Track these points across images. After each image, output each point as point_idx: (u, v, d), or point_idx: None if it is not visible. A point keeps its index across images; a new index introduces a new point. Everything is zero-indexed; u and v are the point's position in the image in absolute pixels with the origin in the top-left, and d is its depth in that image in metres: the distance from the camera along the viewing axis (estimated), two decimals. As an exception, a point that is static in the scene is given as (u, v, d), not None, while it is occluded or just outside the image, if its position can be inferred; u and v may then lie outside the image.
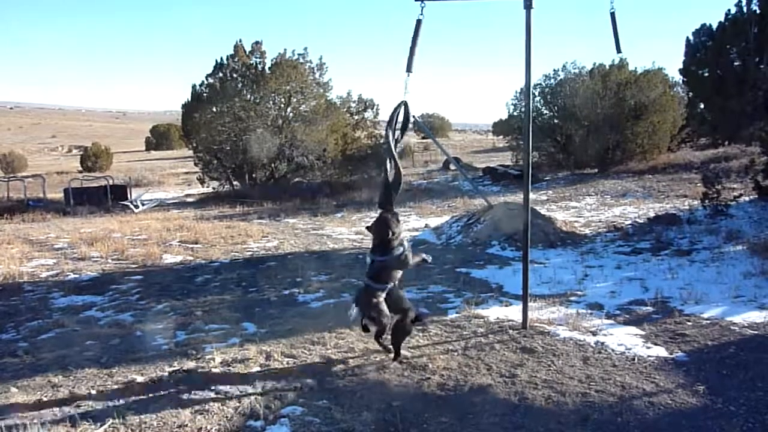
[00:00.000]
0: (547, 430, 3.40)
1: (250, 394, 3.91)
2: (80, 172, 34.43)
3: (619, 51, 5.02)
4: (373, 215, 13.82)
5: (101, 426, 3.56)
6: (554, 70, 22.27)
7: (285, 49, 19.95)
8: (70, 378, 4.36)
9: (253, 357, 4.61)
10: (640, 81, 19.98)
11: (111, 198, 18.18)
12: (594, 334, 4.96)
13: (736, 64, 16.71)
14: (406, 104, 4.58)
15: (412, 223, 12.36)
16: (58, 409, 3.83)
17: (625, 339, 4.81)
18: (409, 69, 4.64)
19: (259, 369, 4.37)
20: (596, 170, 20.11)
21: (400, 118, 4.60)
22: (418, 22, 4.65)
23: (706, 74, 19.21)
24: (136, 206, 17.29)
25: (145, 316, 5.98)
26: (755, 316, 5.19)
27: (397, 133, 4.58)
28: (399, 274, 4.46)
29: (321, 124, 19.85)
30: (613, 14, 4.85)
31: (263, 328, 5.41)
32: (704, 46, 19.92)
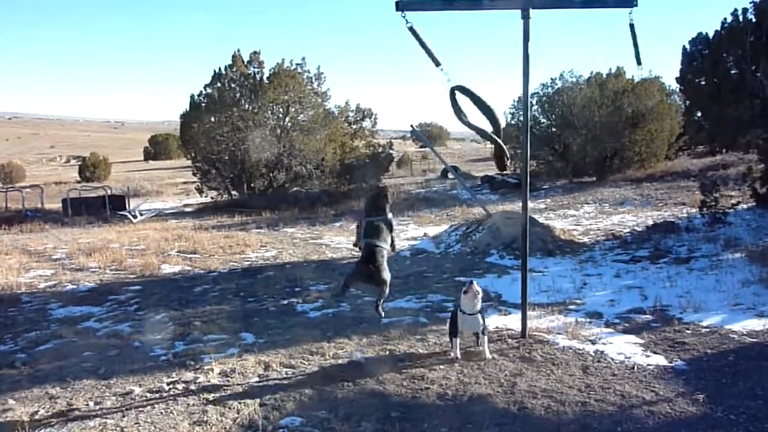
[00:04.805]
0: (547, 440, 3.39)
1: (249, 405, 3.90)
2: (78, 182, 34.44)
3: (639, 63, 4.96)
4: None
5: (99, 438, 3.54)
6: (552, 78, 22.39)
7: (283, 59, 20.07)
8: (68, 389, 4.34)
9: (251, 367, 4.60)
10: (637, 89, 20.08)
11: (109, 208, 18.18)
12: (593, 342, 4.95)
13: (732, 72, 16.79)
14: (459, 89, 4.86)
15: (411, 232, 12.35)
16: (55, 420, 3.82)
17: (624, 347, 4.81)
18: (437, 64, 4.84)
19: (257, 379, 4.36)
20: (594, 178, 20.16)
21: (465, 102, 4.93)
22: (411, 29, 4.73)
23: (703, 82, 19.30)
24: (135, 216, 17.27)
25: (143, 326, 5.96)
26: (754, 324, 5.19)
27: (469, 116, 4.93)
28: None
29: (319, 134, 19.91)
30: (632, 26, 4.82)
31: (262, 338, 5.40)
32: (701, 55, 20.03)
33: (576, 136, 20.61)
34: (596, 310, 5.94)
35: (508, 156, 5.18)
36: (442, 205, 17.19)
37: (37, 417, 3.89)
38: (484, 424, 3.57)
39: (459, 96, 4.95)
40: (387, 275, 4.61)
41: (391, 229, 4.77)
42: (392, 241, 4.82)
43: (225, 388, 4.22)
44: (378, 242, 4.62)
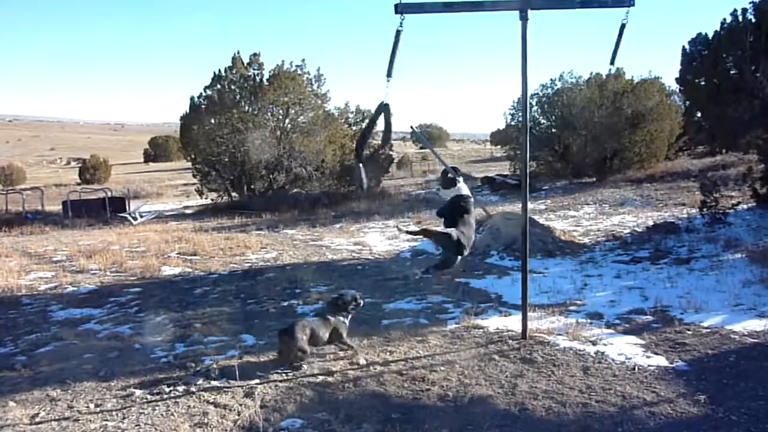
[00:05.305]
0: (548, 441, 3.39)
1: (250, 407, 3.89)
2: (79, 184, 34.39)
3: (612, 63, 5.08)
4: (372, 225, 13.84)
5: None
6: (551, 79, 22.42)
7: (283, 61, 20.08)
8: (69, 391, 4.34)
9: (252, 369, 4.59)
10: (637, 90, 20.09)
11: (109, 210, 18.16)
12: (594, 343, 4.95)
13: (732, 72, 16.77)
14: (386, 107, 4.95)
15: (411, 233, 12.33)
16: (56, 423, 3.82)
17: (625, 348, 4.81)
18: (389, 75, 4.85)
19: (258, 381, 4.35)
20: (594, 179, 20.15)
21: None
22: (398, 32, 4.75)
23: (703, 83, 19.29)
24: (135, 218, 17.27)
25: (143, 328, 5.96)
26: (755, 325, 5.18)
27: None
28: None
29: (319, 135, 19.91)
30: (623, 26, 4.88)
31: (262, 339, 5.39)
32: (700, 55, 20.01)
33: (576, 137, 20.62)
34: (597, 311, 5.94)
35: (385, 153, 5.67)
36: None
37: (37, 419, 3.89)
38: (484, 425, 3.57)
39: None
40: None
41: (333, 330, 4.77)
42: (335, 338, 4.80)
43: (225, 389, 4.22)
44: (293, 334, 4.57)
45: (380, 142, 5.68)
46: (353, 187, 20.87)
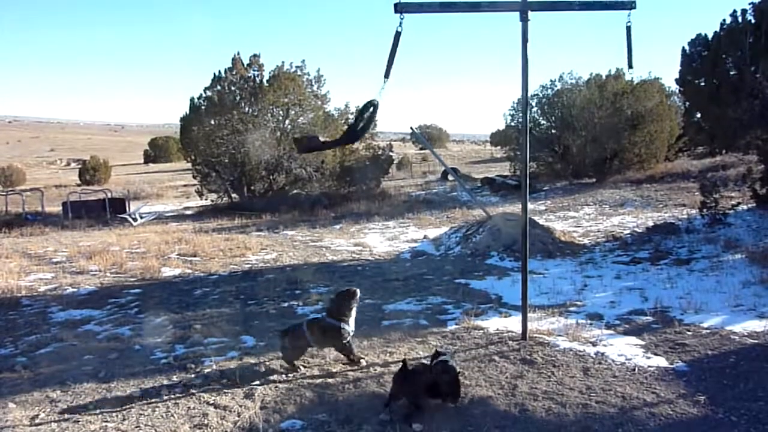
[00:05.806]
0: (548, 442, 3.38)
1: (250, 408, 3.89)
2: (79, 185, 34.37)
3: (630, 66, 5.00)
4: (372, 226, 13.84)
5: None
6: (551, 80, 22.44)
7: (283, 62, 20.13)
8: (69, 393, 4.34)
9: (252, 370, 4.59)
10: (636, 91, 20.10)
11: (109, 211, 18.15)
12: (594, 344, 4.95)
13: (731, 73, 16.82)
14: (376, 105, 5.02)
15: (411, 234, 12.35)
16: (56, 424, 3.82)
17: (625, 349, 4.81)
18: (386, 75, 4.85)
19: (258, 382, 4.35)
20: (594, 180, 20.16)
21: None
22: (397, 34, 4.75)
23: (703, 84, 19.35)
24: (135, 219, 17.27)
25: (143, 329, 5.96)
26: (755, 325, 5.18)
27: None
28: None
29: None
30: (629, 28, 4.86)
31: (262, 341, 5.39)
32: (700, 56, 20.08)
33: (576, 138, 20.62)
34: (597, 312, 5.94)
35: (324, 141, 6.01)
36: (442, 207, 17.20)
37: (37, 421, 3.89)
38: (484, 426, 3.57)
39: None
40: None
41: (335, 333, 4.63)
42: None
43: (225, 391, 4.21)
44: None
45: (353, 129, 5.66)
46: (353, 188, 20.90)
